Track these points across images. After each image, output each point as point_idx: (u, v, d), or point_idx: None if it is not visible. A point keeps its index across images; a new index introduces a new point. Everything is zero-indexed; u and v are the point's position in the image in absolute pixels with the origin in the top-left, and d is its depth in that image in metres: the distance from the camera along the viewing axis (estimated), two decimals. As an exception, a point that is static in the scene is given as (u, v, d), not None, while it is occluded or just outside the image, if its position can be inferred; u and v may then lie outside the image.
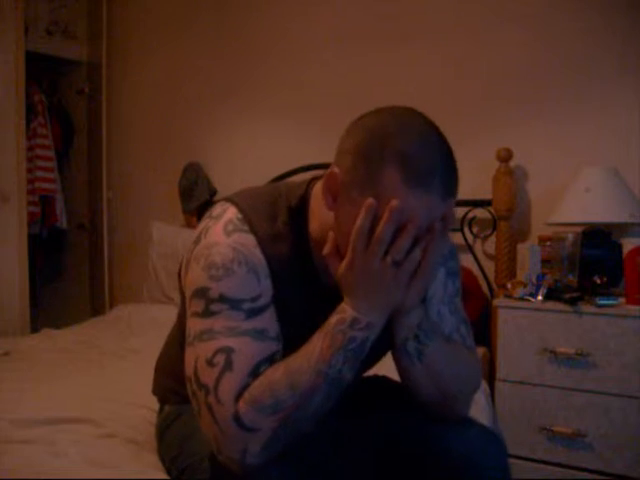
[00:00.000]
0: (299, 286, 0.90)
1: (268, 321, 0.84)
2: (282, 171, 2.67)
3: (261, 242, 0.87)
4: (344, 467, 0.97)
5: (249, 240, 0.86)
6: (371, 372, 1.12)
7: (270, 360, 0.82)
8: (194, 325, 0.85)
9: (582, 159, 2.16)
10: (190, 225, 2.96)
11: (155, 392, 1.20)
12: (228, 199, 0.92)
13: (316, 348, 0.80)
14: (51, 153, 3.29)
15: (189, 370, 0.83)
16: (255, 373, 0.80)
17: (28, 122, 3.08)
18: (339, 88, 2.68)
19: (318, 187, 0.92)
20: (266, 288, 0.86)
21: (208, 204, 2.93)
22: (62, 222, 3.38)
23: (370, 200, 0.77)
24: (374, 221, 0.78)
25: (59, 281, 3.58)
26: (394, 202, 0.76)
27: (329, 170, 0.83)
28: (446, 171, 0.79)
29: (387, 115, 0.83)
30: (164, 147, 3.17)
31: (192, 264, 0.86)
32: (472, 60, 2.41)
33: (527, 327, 1.89)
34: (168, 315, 2.45)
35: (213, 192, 2.93)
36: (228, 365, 0.80)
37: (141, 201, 3.25)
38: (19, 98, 2.73)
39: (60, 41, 3.32)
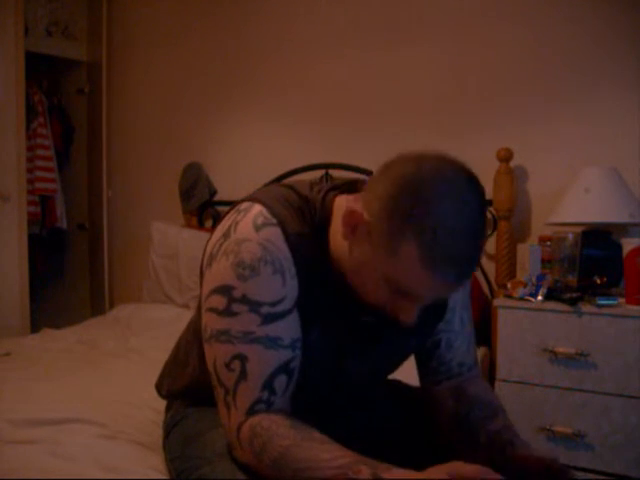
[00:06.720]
0: (324, 287, 0.88)
1: (283, 329, 0.84)
2: (282, 171, 2.67)
3: (288, 237, 0.85)
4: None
5: (277, 234, 0.85)
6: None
7: (284, 368, 0.84)
8: (211, 321, 0.86)
9: (582, 159, 2.16)
10: (190, 225, 2.96)
11: (161, 393, 1.18)
12: (253, 198, 0.89)
13: (321, 464, 0.75)
14: (51, 153, 3.30)
15: (210, 365, 0.87)
16: (269, 385, 0.83)
17: (28, 122, 3.08)
18: (339, 88, 2.68)
19: (339, 205, 0.89)
20: (291, 289, 0.85)
21: (208, 204, 2.93)
22: (62, 222, 3.38)
23: None
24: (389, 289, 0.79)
25: (59, 281, 3.58)
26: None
27: (352, 208, 0.80)
28: (468, 259, 0.75)
29: (427, 173, 0.76)
30: (164, 147, 3.17)
31: (221, 259, 0.85)
32: (473, 60, 2.41)
33: (527, 327, 1.89)
34: (168, 315, 2.49)
35: (213, 192, 2.93)
36: (243, 374, 0.83)
37: (141, 201, 3.25)
38: (19, 98, 2.73)
39: (60, 41, 3.32)
